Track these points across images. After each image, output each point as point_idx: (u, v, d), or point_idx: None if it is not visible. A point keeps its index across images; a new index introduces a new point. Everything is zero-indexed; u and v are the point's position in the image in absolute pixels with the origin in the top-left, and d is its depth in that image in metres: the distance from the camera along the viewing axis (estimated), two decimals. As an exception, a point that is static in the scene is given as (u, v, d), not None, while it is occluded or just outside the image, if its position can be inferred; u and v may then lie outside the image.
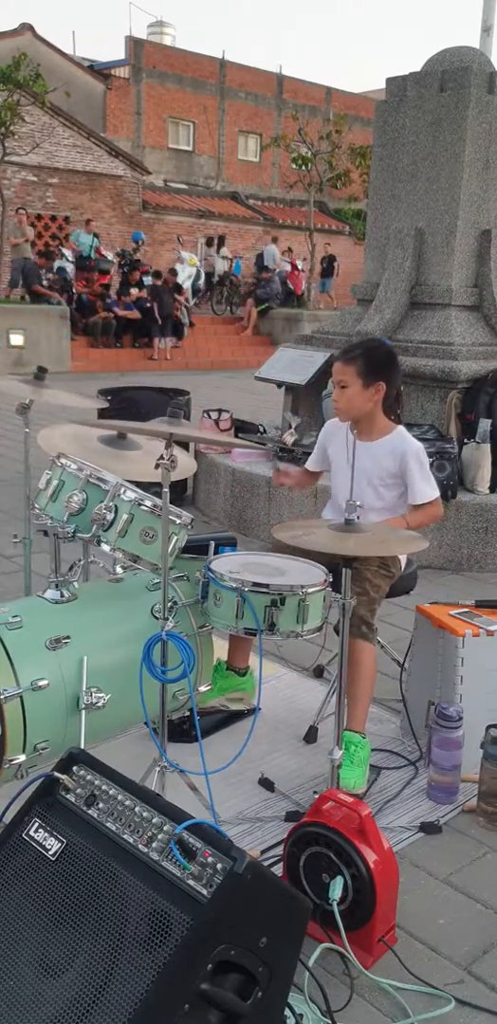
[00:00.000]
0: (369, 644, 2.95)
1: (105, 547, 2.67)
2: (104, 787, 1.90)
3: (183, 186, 27.32)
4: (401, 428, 3.30)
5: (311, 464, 3.56)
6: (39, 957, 1.70)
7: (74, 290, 16.17)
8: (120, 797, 1.87)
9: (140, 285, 16.81)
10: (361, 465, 3.11)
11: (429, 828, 2.71)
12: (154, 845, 1.75)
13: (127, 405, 6.41)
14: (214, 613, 2.75)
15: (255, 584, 2.64)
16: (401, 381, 3.45)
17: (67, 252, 17.16)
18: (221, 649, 3.33)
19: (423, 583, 4.10)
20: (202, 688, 2.99)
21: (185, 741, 2.99)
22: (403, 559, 3.30)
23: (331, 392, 5.54)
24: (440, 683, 3.06)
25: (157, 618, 2.66)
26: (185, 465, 3.09)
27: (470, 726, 2.82)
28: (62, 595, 2.70)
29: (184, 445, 3.72)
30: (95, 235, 17.93)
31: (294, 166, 23.06)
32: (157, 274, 16.69)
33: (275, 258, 20.61)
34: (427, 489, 3.19)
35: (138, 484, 2.78)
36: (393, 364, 3.27)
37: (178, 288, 17.15)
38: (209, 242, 21.28)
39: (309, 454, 3.60)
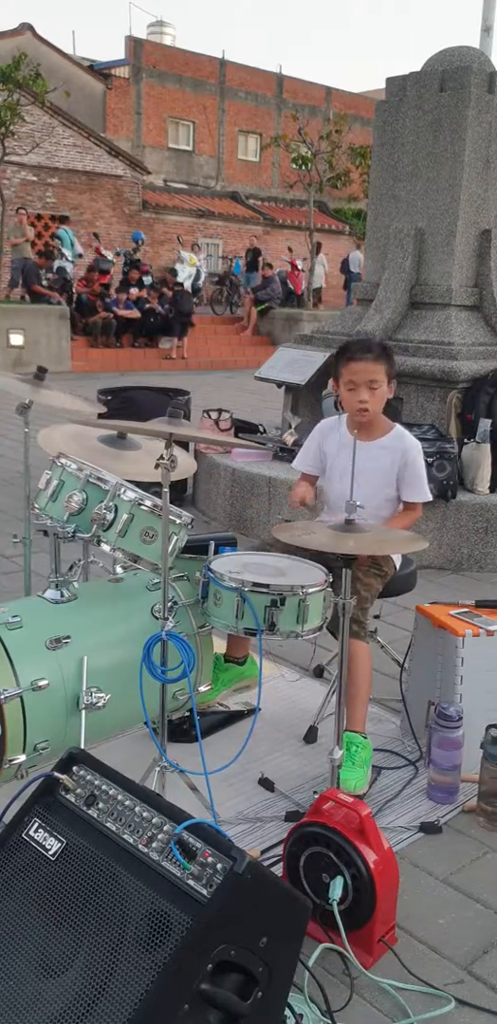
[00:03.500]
0: (362, 643, 2.94)
1: (105, 547, 2.66)
2: (104, 787, 1.90)
3: (183, 186, 27.32)
4: (400, 427, 3.29)
5: (304, 466, 3.40)
6: (39, 957, 1.70)
7: (74, 290, 16.19)
8: (120, 797, 1.87)
9: (140, 285, 16.84)
10: (358, 466, 3.08)
11: (429, 828, 2.70)
12: (154, 845, 1.75)
13: (127, 405, 6.41)
14: (214, 613, 2.75)
15: (255, 584, 2.64)
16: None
17: (67, 252, 17.19)
18: (221, 649, 3.33)
19: (423, 583, 4.10)
20: (202, 688, 2.99)
21: (185, 741, 2.99)
22: (397, 559, 3.29)
23: (331, 392, 5.55)
24: (440, 683, 3.06)
25: (157, 618, 2.66)
26: (185, 465, 3.09)
27: (470, 726, 2.82)
28: (62, 595, 2.70)
29: (184, 445, 3.72)
30: (95, 234, 17.94)
31: (294, 166, 23.03)
32: (178, 284, 17.00)
33: (360, 263, 20.93)
34: (425, 488, 3.20)
35: (138, 484, 2.78)
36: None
37: (196, 289, 17.35)
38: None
39: None
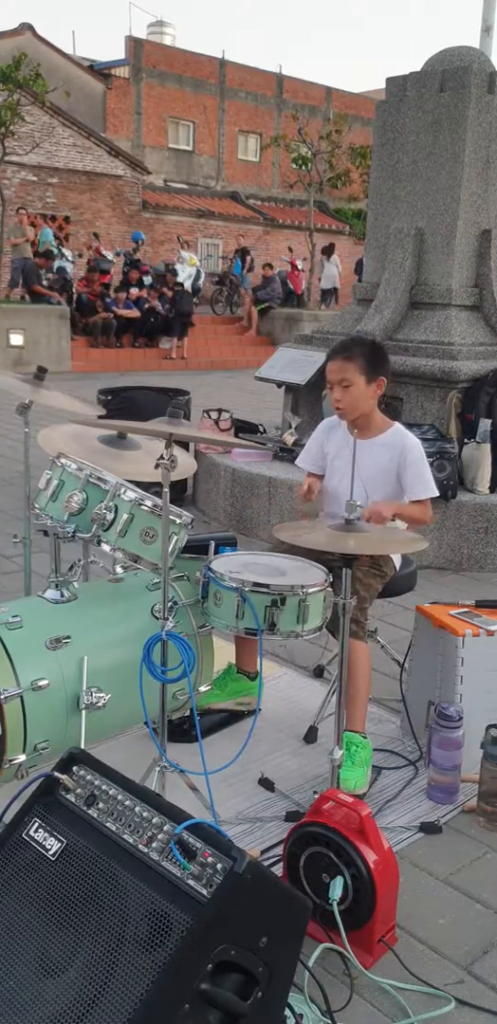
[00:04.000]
0: (361, 643, 2.94)
1: (105, 547, 2.67)
2: (104, 787, 1.90)
3: (183, 186, 27.33)
4: (399, 425, 3.29)
5: (308, 464, 3.43)
6: (39, 957, 1.70)
7: (74, 290, 16.20)
8: (120, 797, 1.87)
9: (140, 285, 16.85)
10: (360, 464, 3.09)
11: (429, 828, 2.70)
12: (154, 845, 1.75)
13: (127, 405, 6.41)
14: (214, 613, 2.75)
15: (256, 584, 2.64)
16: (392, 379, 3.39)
17: (66, 252, 17.19)
18: (221, 650, 3.33)
19: (423, 583, 4.10)
20: (202, 688, 2.99)
21: (185, 741, 2.99)
22: (397, 559, 3.29)
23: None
24: (440, 683, 3.06)
25: (157, 618, 2.66)
26: (185, 465, 3.09)
27: (470, 726, 2.82)
28: (62, 595, 2.70)
29: (184, 445, 3.72)
30: (95, 234, 17.92)
31: (294, 166, 23.06)
32: (179, 284, 17.04)
33: None
34: (429, 485, 3.18)
35: (138, 484, 2.78)
36: (388, 359, 3.26)
37: (196, 289, 17.34)
38: (324, 250, 21.25)
39: None
